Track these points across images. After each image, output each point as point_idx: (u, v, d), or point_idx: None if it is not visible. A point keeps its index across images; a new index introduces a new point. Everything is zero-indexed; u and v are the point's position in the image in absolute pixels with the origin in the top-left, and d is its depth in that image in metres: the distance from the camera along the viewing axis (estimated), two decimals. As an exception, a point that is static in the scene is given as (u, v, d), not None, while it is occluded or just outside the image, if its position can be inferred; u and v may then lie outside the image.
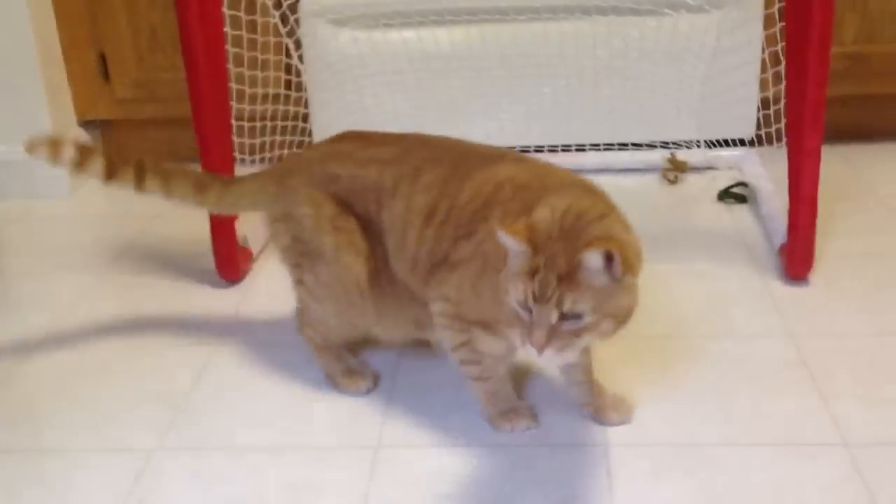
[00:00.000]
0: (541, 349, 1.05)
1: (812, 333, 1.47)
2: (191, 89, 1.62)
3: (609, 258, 1.04)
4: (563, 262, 1.04)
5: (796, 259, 1.61)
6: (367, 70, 2.07)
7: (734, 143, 2.13)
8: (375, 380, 1.41)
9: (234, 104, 1.74)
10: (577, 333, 1.06)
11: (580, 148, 2.16)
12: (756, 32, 1.95)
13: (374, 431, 1.30)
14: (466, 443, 1.27)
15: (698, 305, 1.57)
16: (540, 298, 1.05)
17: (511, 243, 1.07)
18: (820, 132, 1.53)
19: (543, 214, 1.09)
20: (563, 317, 1.05)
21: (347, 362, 1.42)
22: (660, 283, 1.65)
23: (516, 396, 1.32)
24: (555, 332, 1.05)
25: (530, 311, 1.06)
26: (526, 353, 1.09)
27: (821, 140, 1.54)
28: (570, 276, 1.04)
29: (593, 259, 1.04)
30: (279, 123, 2.05)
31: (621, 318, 1.09)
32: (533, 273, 1.05)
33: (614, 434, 1.27)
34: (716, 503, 1.14)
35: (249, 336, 1.56)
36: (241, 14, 1.84)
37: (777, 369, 1.38)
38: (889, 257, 1.69)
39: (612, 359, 1.40)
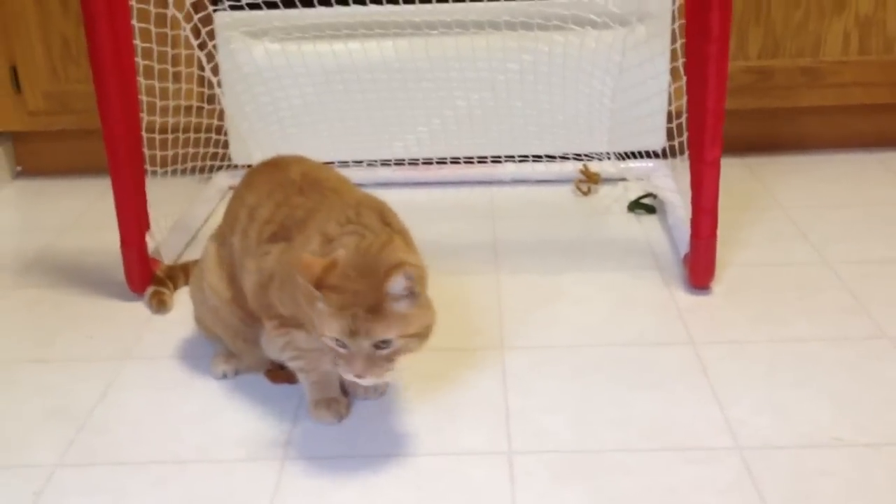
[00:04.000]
0: (362, 376, 1.15)
1: (712, 341, 1.51)
2: (99, 101, 1.61)
3: (409, 282, 1.14)
4: (370, 296, 1.13)
5: (698, 268, 1.65)
6: (282, 83, 2.08)
7: (646, 154, 2.18)
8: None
9: (144, 116, 1.74)
10: (389, 358, 1.16)
11: (496, 160, 2.19)
12: (663, 47, 2.00)
13: (281, 444, 1.31)
14: (372, 453, 1.28)
15: (604, 314, 1.61)
16: (354, 333, 1.14)
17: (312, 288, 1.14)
18: (719, 144, 1.57)
19: (338, 254, 1.17)
20: (377, 346, 1.14)
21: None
22: (568, 293, 1.68)
23: (338, 391, 1.38)
24: (372, 359, 1.15)
25: (345, 346, 1.15)
26: (349, 378, 1.17)
27: (720, 152, 1.58)
28: (377, 308, 1.13)
29: (397, 286, 1.13)
30: (192, 135, 2.05)
31: (425, 335, 1.19)
32: (342, 310, 1.13)
33: (517, 442, 1.29)
34: (613, 508, 1.17)
35: (159, 349, 1.55)
36: (151, 27, 1.83)
37: (677, 376, 1.42)
38: (788, 266, 1.75)
39: (519, 370, 1.43)
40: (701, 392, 1.38)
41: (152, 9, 1.81)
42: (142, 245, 1.71)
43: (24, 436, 1.34)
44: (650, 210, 2.01)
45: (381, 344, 1.14)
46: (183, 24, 1.95)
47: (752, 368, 1.44)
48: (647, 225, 1.96)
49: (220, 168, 2.18)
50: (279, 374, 1.44)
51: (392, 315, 1.14)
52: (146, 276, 1.72)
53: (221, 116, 2.13)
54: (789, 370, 1.43)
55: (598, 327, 1.57)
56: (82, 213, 2.12)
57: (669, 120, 2.07)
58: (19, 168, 2.36)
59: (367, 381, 1.17)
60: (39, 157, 2.35)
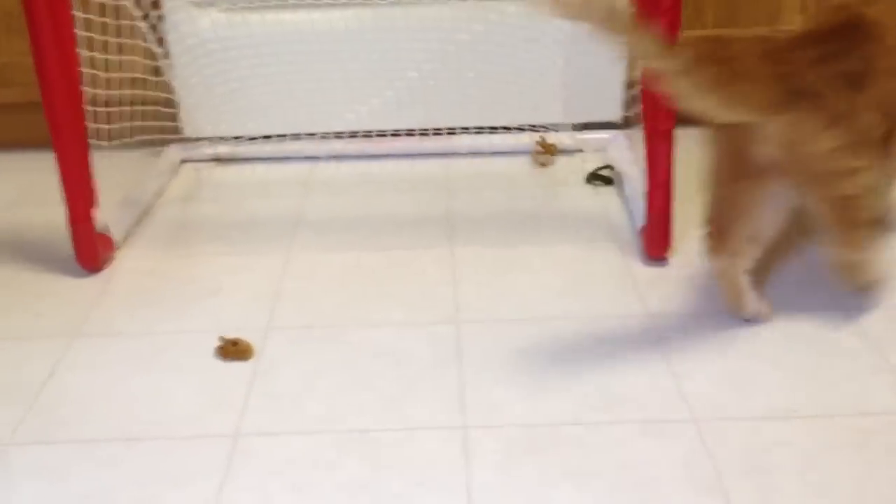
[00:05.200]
0: None
1: (667, 313, 1.50)
2: (39, 73, 1.56)
3: None
4: None
5: (654, 240, 1.65)
6: (230, 54, 2.03)
7: (603, 125, 2.16)
8: None
9: (89, 89, 1.69)
10: None
11: (451, 132, 2.17)
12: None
13: (233, 421, 1.29)
14: (325, 429, 1.26)
15: (560, 286, 1.60)
16: None
17: None
18: (672, 116, 1.57)
19: None
20: None
21: None
22: (523, 265, 1.67)
23: None
24: None
25: None
26: None
27: (673, 123, 1.57)
28: None
29: None
30: (139, 108, 2.00)
31: None
32: None
33: (472, 416, 1.28)
34: (569, 481, 1.16)
35: (109, 326, 1.52)
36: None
37: (633, 349, 1.42)
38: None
39: (474, 343, 1.42)
40: (656, 364, 1.38)
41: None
42: (89, 220, 1.67)
43: (-33, 418, 1.31)
44: (608, 182, 2.00)
45: None
46: (126, -7, 1.90)
47: (707, 340, 1.43)
48: (605, 197, 1.95)
49: (170, 141, 2.14)
50: (230, 350, 1.42)
51: None
52: (95, 252, 1.68)
53: (169, 89, 2.08)
54: (745, 342, 1.43)
55: (553, 300, 1.56)
56: (29, 187, 2.06)
57: (628, 90, 2.06)
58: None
59: None
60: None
